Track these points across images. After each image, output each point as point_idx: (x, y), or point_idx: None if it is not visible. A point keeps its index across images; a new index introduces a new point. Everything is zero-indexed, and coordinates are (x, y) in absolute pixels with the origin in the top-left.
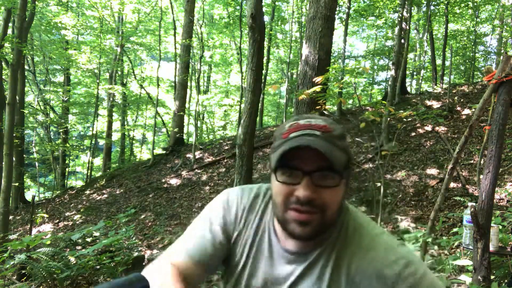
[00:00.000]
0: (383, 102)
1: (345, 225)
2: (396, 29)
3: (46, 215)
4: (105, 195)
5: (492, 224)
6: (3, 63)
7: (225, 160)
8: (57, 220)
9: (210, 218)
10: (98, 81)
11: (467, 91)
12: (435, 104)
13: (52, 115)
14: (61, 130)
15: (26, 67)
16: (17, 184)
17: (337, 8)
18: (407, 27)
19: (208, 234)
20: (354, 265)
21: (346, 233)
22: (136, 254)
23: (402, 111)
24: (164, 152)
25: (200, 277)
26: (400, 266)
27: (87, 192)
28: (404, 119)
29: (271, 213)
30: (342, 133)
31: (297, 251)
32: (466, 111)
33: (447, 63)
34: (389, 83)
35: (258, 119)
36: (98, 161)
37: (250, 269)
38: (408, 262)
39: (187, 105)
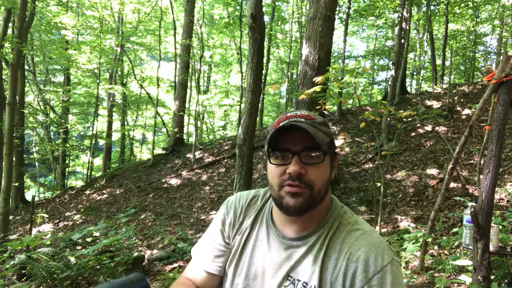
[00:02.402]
0: (383, 102)
1: (340, 218)
2: (396, 29)
3: (46, 215)
4: (105, 195)
5: (492, 224)
6: (3, 63)
7: (225, 160)
8: (57, 220)
9: (214, 226)
10: (98, 81)
11: (467, 91)
12: (435, 104)
13: (52, 115)
14: (61, 130)
15: (26, 67)
16: (17, 184)
17: (337, 8)
18: (407, 27)
19: (213, 242)
20: (344, 250)
21: (341, 224)
22: (136, 254)
23: (402, 111)
24: (164, 152)
25: (216, 285)
26: (385, 262)
27: (87, 192)
28: (404, 119)
29: (269, 206)
30: (324, 121)
31: (294, 236)
32: (466, 111)
33: (447, 63)
34: (389, 83)
35: (258, 119)
36: (98, 161)
37: (249, 257)
38: (393, 261)
39: (187, 105)
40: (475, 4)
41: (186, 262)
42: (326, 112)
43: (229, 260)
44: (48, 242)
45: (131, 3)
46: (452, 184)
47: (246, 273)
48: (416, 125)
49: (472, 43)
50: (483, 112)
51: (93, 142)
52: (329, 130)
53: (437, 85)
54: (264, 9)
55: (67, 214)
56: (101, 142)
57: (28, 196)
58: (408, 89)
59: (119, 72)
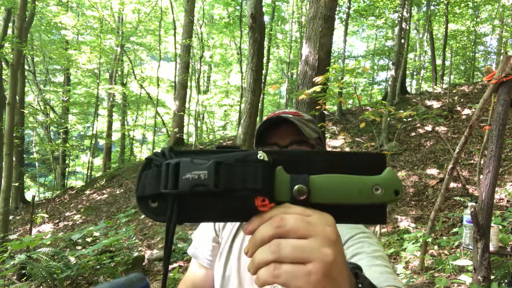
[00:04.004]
0: (383, 102)
1: None
2: (396, 29)
3: (46, 215)
4: (105, 195)
5: (492, 224)
6: (3, 63)
7: None
8: (57, 220)
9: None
10: (98, 81)
11: (467, 91)
12: (435, 104)
13: (52, 115)
14: (61, 130)
15: (26, 67)
16: (17, 184)
17: (337, 8)
18: (407, 27)
19: (206, 237)
20: None
21: None
22: (136, 254)
23: (402, 111)
24: None
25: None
26: (358, 231)
27: (87, 192)
28: (404, 119)
29: None
30: (311, 119)
31: None
32: (466, 111)
33: (447, 63)
34: (389, 83)
35: (258, 119)
36: (98, 161)
37: (239, 249)
38: (364, 230)
39: (187, 105)
40: (475, 4)
41: (186, 262)
42: (326, 112)
43: (219, 253)
44: (48, 242)
45: (131, 3)
46: (452, 184)
47: (237, 265)
48: (416, 125)
49: (472, 43)
50: (483, 112)
51: (93, 142)
52: (317, 127)
53: (437, 85)
54: (264, 9)
55: (67, 214)
56: (101, 142)
57: (28, 196)
58: (408, 89)
59: (119, 72)
